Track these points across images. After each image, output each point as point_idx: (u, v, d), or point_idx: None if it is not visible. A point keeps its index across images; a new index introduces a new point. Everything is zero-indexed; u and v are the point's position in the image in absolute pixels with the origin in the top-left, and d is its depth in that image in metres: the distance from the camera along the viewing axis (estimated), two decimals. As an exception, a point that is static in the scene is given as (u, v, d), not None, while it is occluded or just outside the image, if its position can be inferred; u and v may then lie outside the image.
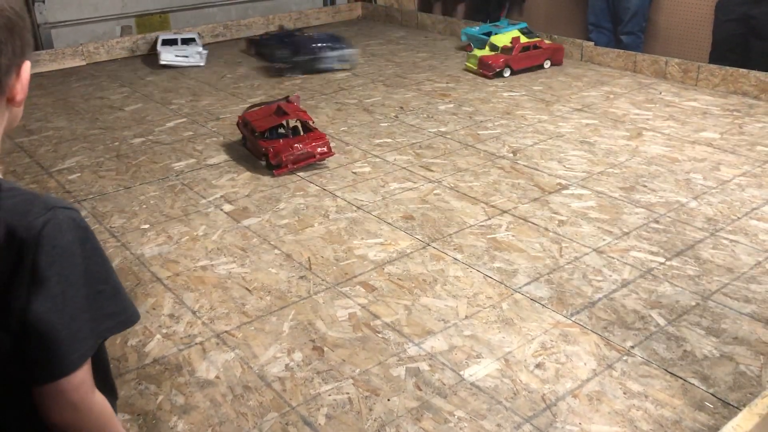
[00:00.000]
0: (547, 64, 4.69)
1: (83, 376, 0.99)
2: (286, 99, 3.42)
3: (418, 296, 2.23)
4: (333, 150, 3.24)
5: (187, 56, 4.92)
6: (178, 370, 1.93)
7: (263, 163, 3.20)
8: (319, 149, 3.17)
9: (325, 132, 3.40)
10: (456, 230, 2.63)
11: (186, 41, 5.05)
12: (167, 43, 5.02)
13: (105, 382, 1.11)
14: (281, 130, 3.24)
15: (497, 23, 5.14)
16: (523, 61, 4.56)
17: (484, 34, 4.95)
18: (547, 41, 4.76)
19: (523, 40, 4.60)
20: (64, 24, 5.42)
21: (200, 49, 4.99)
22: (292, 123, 3.25)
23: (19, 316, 0.93)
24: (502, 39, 4.61)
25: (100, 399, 1.04)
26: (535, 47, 4.60)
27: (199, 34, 5.23)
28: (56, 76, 4.91)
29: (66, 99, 4.37)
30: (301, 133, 3.24)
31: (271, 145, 3.13)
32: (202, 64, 4.97)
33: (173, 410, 1.78)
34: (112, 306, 1.03)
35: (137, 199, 2.97)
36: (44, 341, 0.94)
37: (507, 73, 4.53)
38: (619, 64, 4.67)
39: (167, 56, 4.90)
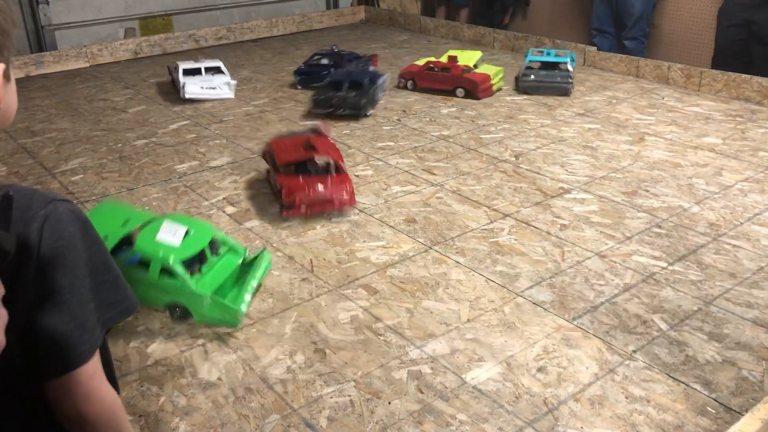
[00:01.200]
0: (459, 92, 4.21)
1: (94, 366, 1.00)
2: (316, 130, 2.99)
3: (420, 299, 2.23)
4: (355, 199, 2.80)
5: (214, 88, 4.28)
6: (180, 371, 1.93)
7: (279, 202, 2.80)
8: (340, 196, 2.72)
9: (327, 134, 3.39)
10: (458, 234, 2.63)
11: (210, 70, 4.34)
12: (189, 73, 4.30)
13: (109, 379, 1.11)
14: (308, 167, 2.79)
15: (541, 49, 4.41)
16: (426, 81, 4.29)
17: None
18: (476, 71, 4.27)
19: (464, 62, 4.30)
20: (67, 26, 5.44)
21: (228, 79, 4.33)
22: (323, 160, 2.75)
23: (25, 311, 0.93)
24: (445, 57, 4.41)
25: (111, 390, 1.05)
26: (445, 70, 4.23)
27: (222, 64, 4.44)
28: (60, 78, 4.92)
29: (69, 100, 4.38)
30: (332, 173, 2.75)
31: (288, 181, 2.72)
32: (231, 96, 4.33)
33: (175, 411, 1.78)
34: (114, 295, 1.04)
35: (140, 200, 2.97)
36: (54, 334, 0.95)
37: (410, 85, 4.36)
38: (622, 69, 4.68)
39: (192, 89, 4.22)
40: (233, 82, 4.35)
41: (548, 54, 4.29)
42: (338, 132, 3.71)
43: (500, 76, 4.37)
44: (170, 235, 2.05)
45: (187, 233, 2.08)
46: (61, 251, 0.95)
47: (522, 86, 4.22)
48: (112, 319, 1.04)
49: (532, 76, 4.20)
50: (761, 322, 2.09)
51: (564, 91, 4.17)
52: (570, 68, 4.19)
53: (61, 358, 0.97)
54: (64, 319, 0.95)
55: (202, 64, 4.33)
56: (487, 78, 4.22)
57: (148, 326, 2.12)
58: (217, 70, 4.34)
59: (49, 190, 0.94)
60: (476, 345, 2.01)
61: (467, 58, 4.41)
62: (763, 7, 4.26)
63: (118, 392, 1.18)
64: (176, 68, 4.35)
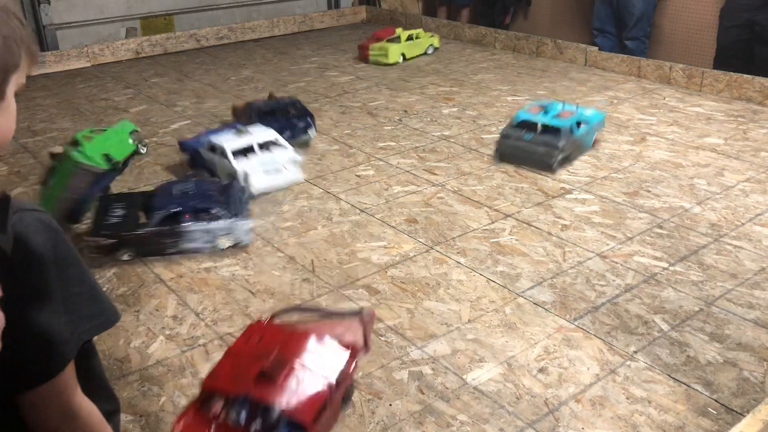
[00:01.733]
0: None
1: (66, 380, 0.96)
2: (361, 317, 1.85)
3: (421, 300, 2.23)
4: None
5: (279, 170, 3.01)
6: (181, 371, 1.93)
7: None
8: None
9: (328, 134, 3.37)
10: (459, 234, 2.63)
11: (265, 146, 3.03)
12: (241, 153, 2.96)
13: (100, 390, 1.08)
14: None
15: (543, 104, 3.36)
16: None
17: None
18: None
19: (406, 36, 5.19)
20: (69, 25, 5.44)
21: (292, 153, 3.06)
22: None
23: None
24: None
25: (86, 404, 1.01)
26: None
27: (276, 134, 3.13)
28: (61, 77, 4.92)
29: (71, 100, 4.39)
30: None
31: (186, 422, 1.60)
32: (301, 178, 3.11)
33: (176, 411, 1.78)
34: (90, 307, 1.00)
35: (141, 200, 2.96)
36: (21, 348, 0.90)
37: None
38: (624, 69, 4.67)
39: (260, 181, 2.94)
40: (299, 157, 3.09)
41: (546, 113, 3.24)
42: (340, 132, 3.70)
43: (383, 51, 5.05)
44: None
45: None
46: (27, 263, 0.90)
47: (498, 150, 3.29)
48: (87, 332, 0.99)
49: (511, 140, 3.22)
50: (762, 322, 2.08)
51: (546, 166, 3.13)
52: (562, 141, 3.08)
53: (30, 373, 0.92)
54: (31, 333, 0.91)
55: (253, 139, 3.01)
56: (364, 46, 5.16)
57: (149, 326, 2.12)
58: (273, 144, 3.07)
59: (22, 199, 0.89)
60: (477, 345, 2.00)
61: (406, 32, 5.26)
62: (766, 8, 4.25)
63: (116, 406, 1.14)
64: (214, 148, 3.02)
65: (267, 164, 2.96)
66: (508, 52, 5.36)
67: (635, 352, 1.97)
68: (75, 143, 2.93)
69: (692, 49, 5.05)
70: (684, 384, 1.84)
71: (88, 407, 1.02)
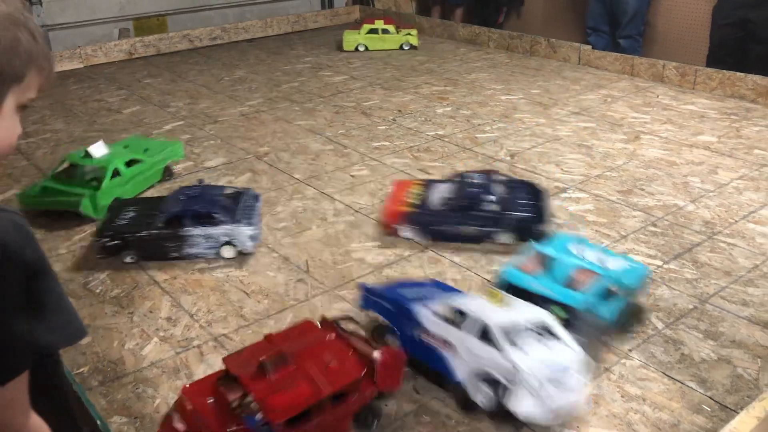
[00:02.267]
0: None
1: (13, 395, 0.90)
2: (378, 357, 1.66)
3: (416, 299, 2.22)
4: None
5: (565, 373, 1.68)
6: (176, 373, 1.92)
7: None
8: None
9: (322, 134, 3.37)
10: (454, 233, 2.62)
11: (537, 331, 1.75)
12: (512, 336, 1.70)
13: (63, 415, 1.04)
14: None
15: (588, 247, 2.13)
16: None
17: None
18: None
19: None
20: (61, 27, 5.42)
21: (578, 352, 1.73)
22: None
23: None
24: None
25: (34, 425, 0.95)
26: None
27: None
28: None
29: (63, 101, 4.37)
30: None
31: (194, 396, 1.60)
32: (588, 392, 1.76)
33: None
34: (54, 320, 0.94)
35: (135, 201, 2.95)
36: None
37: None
38: (617, 68, 4.68)
39: (553, 396, 1.64)
40: (587, 358, 1.77)
41: (550, 272, 1.99)
42: (334, 132, 3.70)
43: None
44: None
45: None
46: None
47: None
48: (47, 346, 0.95)
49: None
50: (756, 320, 2.09)
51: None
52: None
53: None
54: None
55: (519, 315, 1.75)
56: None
57: (143, 328, 2.12)
58: (543, 329, 1.76)
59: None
60: (472, 345, 2.00)
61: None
62: (759, 6, 4.26)
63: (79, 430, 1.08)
64: (463, 314, 1.76)
65: (551, 366, 1.68)
66: (502, 51, 5.37)
67: (630, 350, 1.97)
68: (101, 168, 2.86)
69: (685, 47, 5.06)
70: (678, 381, 1.84)
71: (37, 429, 0.95)
